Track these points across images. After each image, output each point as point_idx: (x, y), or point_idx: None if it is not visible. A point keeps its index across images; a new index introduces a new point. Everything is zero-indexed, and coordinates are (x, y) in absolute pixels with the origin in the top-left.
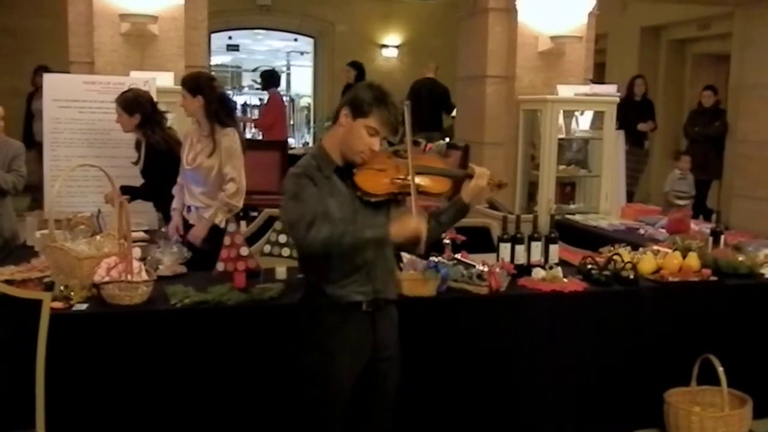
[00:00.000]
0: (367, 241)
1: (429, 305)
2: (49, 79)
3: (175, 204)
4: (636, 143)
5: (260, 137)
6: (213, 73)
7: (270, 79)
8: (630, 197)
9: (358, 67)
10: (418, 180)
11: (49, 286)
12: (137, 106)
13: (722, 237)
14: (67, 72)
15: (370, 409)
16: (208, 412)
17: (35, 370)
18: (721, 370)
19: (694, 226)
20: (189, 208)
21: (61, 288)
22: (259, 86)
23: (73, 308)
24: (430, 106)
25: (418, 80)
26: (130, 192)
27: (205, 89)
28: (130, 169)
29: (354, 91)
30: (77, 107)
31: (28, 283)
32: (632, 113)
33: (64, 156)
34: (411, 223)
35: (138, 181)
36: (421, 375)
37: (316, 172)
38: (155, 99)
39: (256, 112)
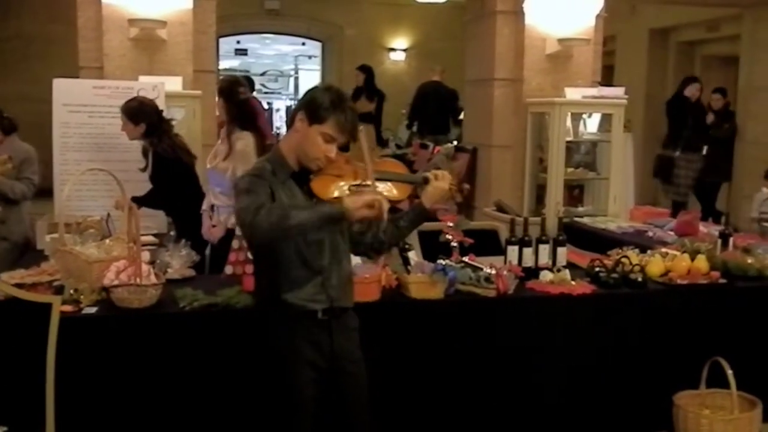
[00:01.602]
0: (322, 217)
1: (437, 308)
2: (58, 84)
3: (204, 206)
4: (690, 147)
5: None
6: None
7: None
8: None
9: (367, 71)
10: (377, 186)
11: (59, 290)
12: (142, 115)
13: (731, 239)
14: (77, 77)
15: (343, 419)
16: (217, 414)
17: (45, 372)
18: (730, 372)
19: (702, 228)
20: (213, 207)
21: (71, 291)
22: (267, 90)
23: (83, 311)
24: (436, 109)
25: (424, 83)
26: (139, 202)
27: (228, 93)
28: (139, 173)
29: (311, 94)
30: (87, 112)
31: (38, 286)
32: (688, 116)
33: (73, 160)
34: (367, 194)
35: (147, 185)
36: (429, 378)
37: (271, 176)
38: (164, 103)
39: None
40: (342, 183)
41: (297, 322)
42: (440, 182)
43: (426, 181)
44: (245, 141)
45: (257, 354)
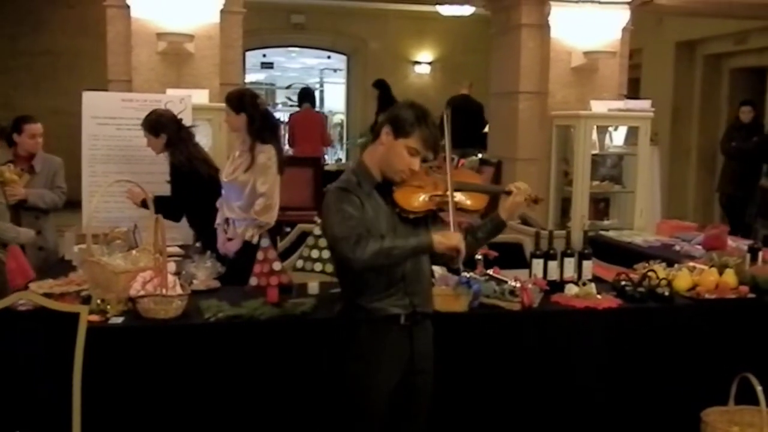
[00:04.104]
0: (413, 250)
1: (461, 321)
2: (88, 97)
3: (218, 219)
4: None
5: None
6: None
7: (304, 96)
8: None
9: (381, 86)
10: (455, 196)
11: (87, 300)
12: (161, 127)
13: (760, 254)
14: (106, 90)
15: (405, 423)
16: (241, 425)
17: (72, 380)
18: (759, 389)
19: (731, 242)
20: (227, 221)
21: (98, 301)
22: (293, 103)
23: (110, 321)
24: (464, 122)
25: (453, 97)
26: (159, 204)
27: (249, 107)
28: (165, 185)
29: (395, 110)
30: (115, 124)
31: (66, 296)
32: None
33: (101, 172)
34: (452, 238)
35: None
36: (454, 391)
37: (356, 188)
38: (191, 116)
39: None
40: (423, 194)
41: (380, 328)
42: (517, 197)
43: (506, 193)
44: (267, 154)
45: (282, 365)
